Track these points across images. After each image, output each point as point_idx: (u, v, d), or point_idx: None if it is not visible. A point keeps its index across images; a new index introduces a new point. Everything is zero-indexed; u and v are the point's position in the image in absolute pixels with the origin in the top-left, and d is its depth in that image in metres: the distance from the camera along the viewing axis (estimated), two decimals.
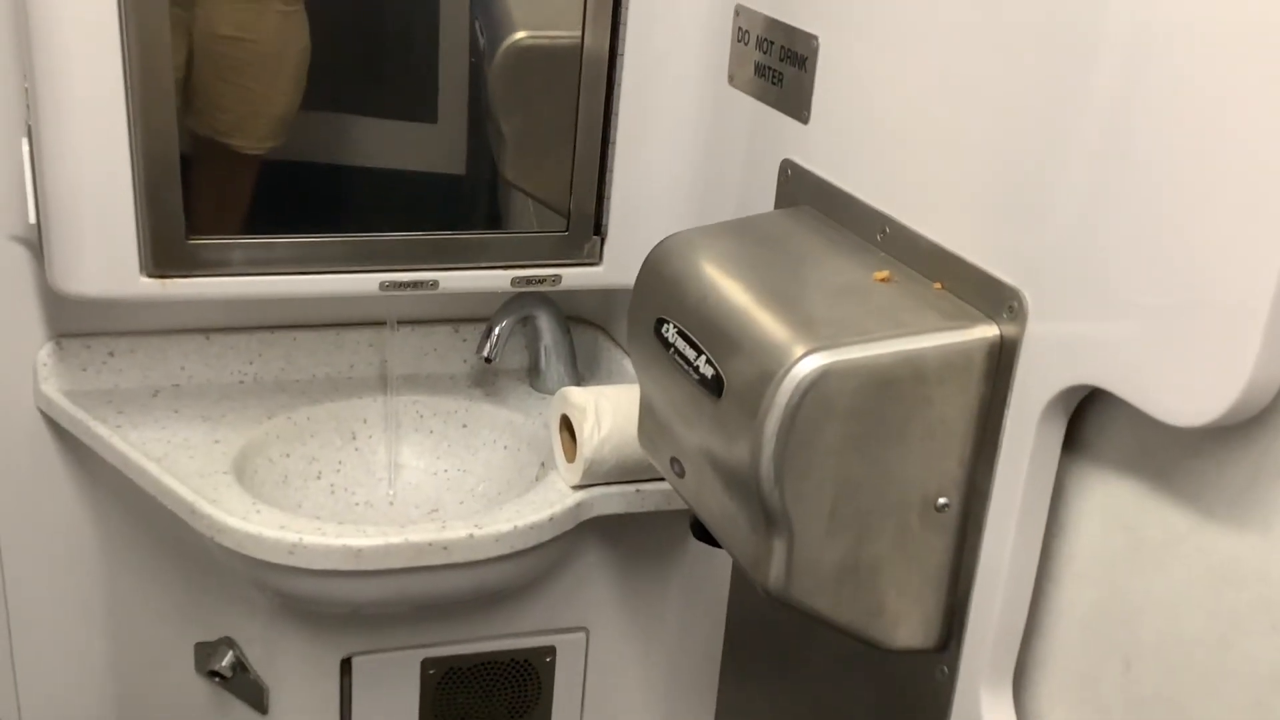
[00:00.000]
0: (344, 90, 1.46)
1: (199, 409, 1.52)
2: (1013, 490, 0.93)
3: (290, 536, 1.28)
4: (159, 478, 1.37)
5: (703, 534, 1.15)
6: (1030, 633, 0.97)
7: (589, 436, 1.37)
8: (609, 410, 1.38)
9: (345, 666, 1.48)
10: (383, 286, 1.40)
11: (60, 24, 1.20)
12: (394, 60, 1.47)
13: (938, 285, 0.99)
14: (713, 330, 1.00)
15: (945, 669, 1.02)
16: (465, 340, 1.66)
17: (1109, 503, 0.90)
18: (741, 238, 1.12)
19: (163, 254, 1.31)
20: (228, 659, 1.51)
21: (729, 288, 1.02)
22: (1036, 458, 0.91)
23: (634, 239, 1.43)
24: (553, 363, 1.62)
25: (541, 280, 1.45)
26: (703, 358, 1.00)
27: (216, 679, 1.50)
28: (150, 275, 1.32)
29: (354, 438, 1.58)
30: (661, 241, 1.11)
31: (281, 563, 1.29)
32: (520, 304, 1.57)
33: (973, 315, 0.95)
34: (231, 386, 1.58)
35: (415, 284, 1.41)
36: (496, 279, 1.43)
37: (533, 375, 1.65)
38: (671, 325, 1.05)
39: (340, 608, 1.41)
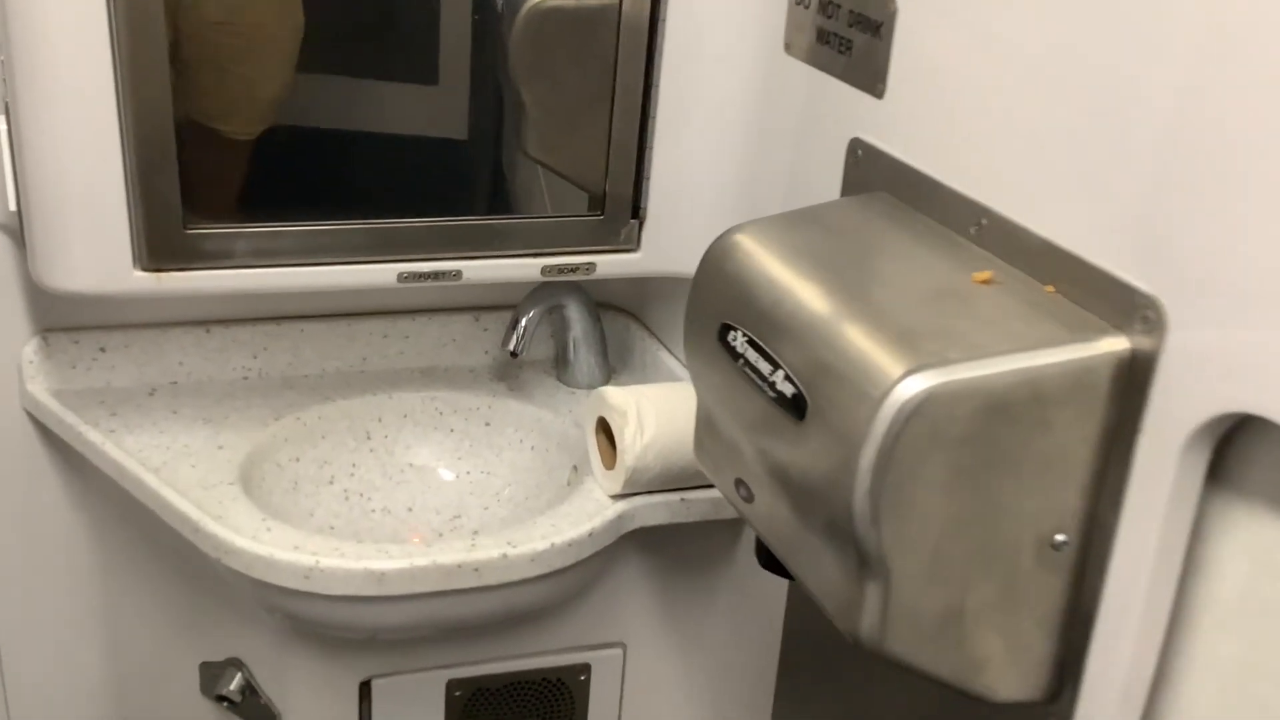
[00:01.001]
0: (342, 53, 1.32)
1: (199, 409, 1.39)
2: (1143, 527, 0.81)
3: (306, 559, 1.16)
4: (158, 491, 1.24)
5: (772, 563, 1.03)
6: (1159, 685, 0.85)
7: (631, 443, 1.24)
8: (652, 413, 1.25)
9: (364, 690, 1.36)
10: (401, 278, 1.27)
11: None
12: (393, 19, 1.33)
13: (1049, 288, 0.87)
14: (792, 341, 0.88)
15: None
16: (487, 330, 1.53)
17: (1259, 544, 0.78)
18: (814, 230, 0.99)
19: (158, 245, 1.18)
20: (236, 682, 1.39)
21: (808, 291, 0.89)
22: (1174, 492, 0.79)
23: (675, 223, 1.30)
24: (582, 354, 1.50)
25: (574, 269, 1.31)
26: (780, 373, 0.87)
27: (224, 703, 1.39)
28: (145, 269, 1.19)
29: (368, 438, 1.45)
30: (722, 236, 0.98)
31: (296, 588, 1.16)
32: (548, 292, 1.44)
33: (1097, 326, 0.82)
34: (234, 383, 1.45)
35: (436, 274, 1.28)
36: (525, 268, 1.30)
37: (560, 367, 1.52)
38: (740, 333, 0.92)
39: (359, 633, 1.29)
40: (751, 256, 0.95)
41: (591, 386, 1.50)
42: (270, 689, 1.39)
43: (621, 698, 1.47)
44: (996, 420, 0.80)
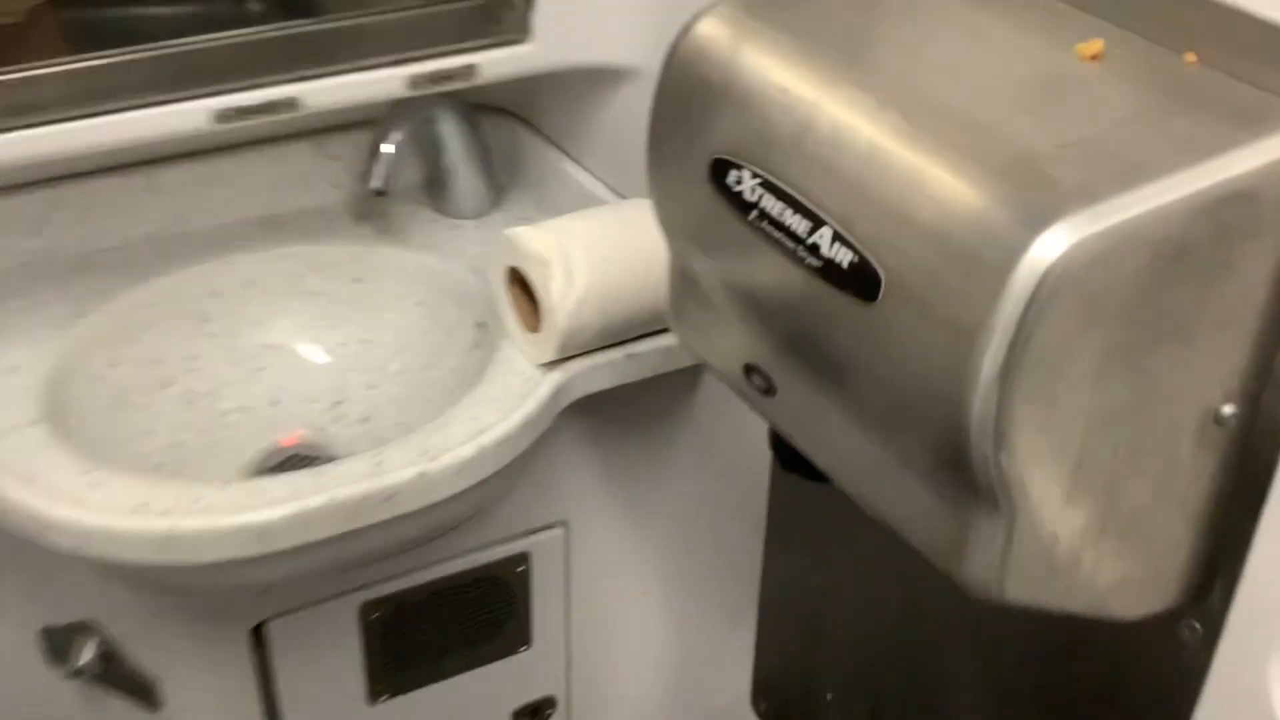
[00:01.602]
0: None
1: None
2: None
3: (157, 524, 0.86)
4: None
5: (795, 462, 0.77)
6: None
7: (560, 299, 0.96)
8: (581, 256, 0.96)
9: (257, 634, 1.10)
10: (220, 117, 0.93)
11: None
12: None
13: (1190, 56, 0.60)
14: (839, 184, 0.59)
15: (1196, 625, 0.69)
16: (336, 159, 1.19)
17: None
18: (832, 3, 0.69)
19: None
20: (91, 649, 1.10)
21: (850, 100, 0.60)
22: None
23: None
24: (462, 176, 1.19)
25: (450, 75, 0.99)
26: (825, 232, 0.60)
27: (82, 677, 1.10)
28: None
29: (206, 320, 1.13)
30: (693, 22, 0.68)
31: (150, 561, 0.87)
32: (412, 105, 1.11)
33: (1276, 106, 0.56)
34: (12, 272, 1.11)
35: (265, 107, 0.94)
36: (385, 82, 0.98)
37: (435, 193, 1.21)
38: (748, 172, 0.63)
39: (244, 592, 1.01)
40: (748, 54, 0.65)
41: (479, 215, 1.20)
42: (137, 651, 1.10)
43: (569, 585, 1.23)
44: (1173, 273, 0.54)
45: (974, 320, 0.53)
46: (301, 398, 1.13)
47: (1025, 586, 0.61)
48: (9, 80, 0.87)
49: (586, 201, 1.14)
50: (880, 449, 0.63)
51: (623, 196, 1.13)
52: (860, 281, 0.58)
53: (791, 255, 0.61)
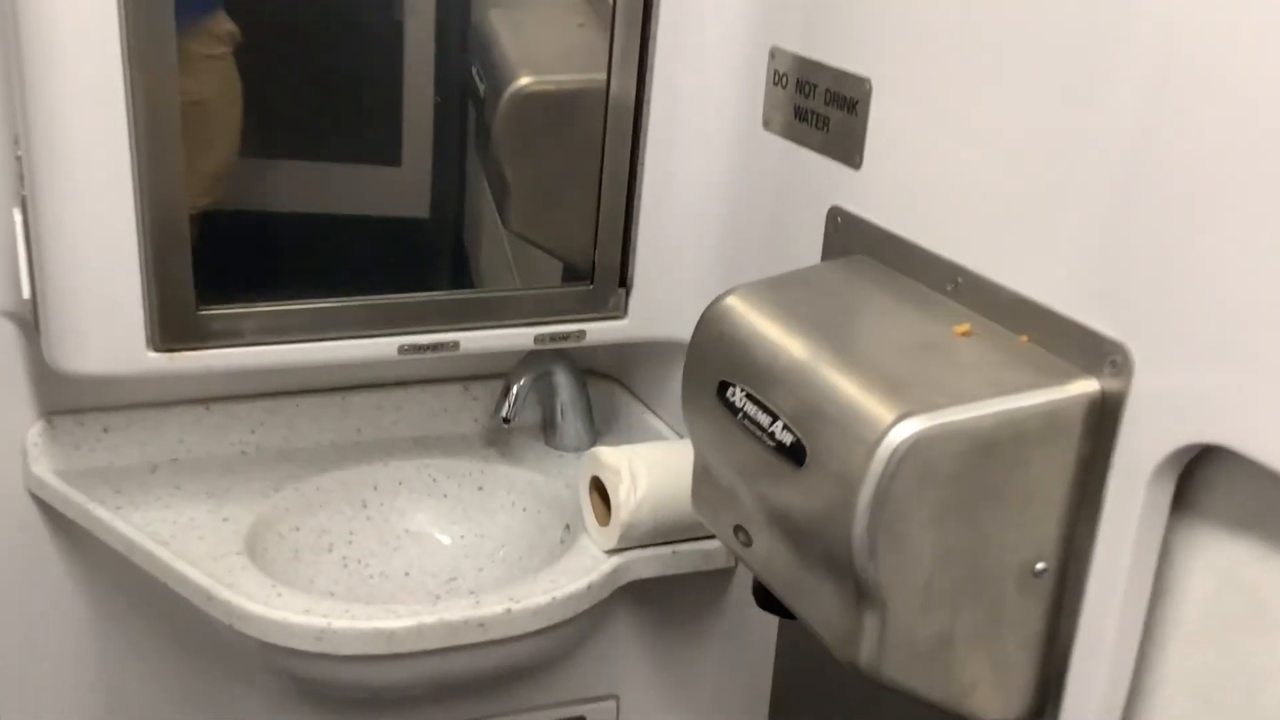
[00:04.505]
0: (306, 137, 1.40)
1: (202, 484, 1.44)
2: (1117, 552, 0.88)
3: (318, 621, 1.21)
4: (171, 563, 1.29)
5: (770, 604, 1.09)
6: (1134, 699, 0.92)
7: (625, 499, 1.30)
8: (644, 471, 1.32)
9: None
10: (402, 350, 1.33)
11: (61, 92, 1.12)
12: (356, 103, 1.41)
13: (1023, 338, 0.95)
14: (788, 394, 0.95)
15: None
16: (476, 399, 1.59)
17: (1222, 563, 0.86)
18: (802, 291, 1.06)
19: (171, 327, 1.24)
20: None
21: (800, 347, 0.97)
22: (1144, 519, 0.87)
23: (660, 291, 1.38)
24: (570, 419, 1.56)
25: (566, 337, 1.38)
26: (779, 424, 0.95)
27: None
28: (158, 349, 1.24)
29: (365, 506, 1.50)
30: (717, 300, 1.06)
31: (308, 649, 1.21)
32: (537, 360, 1.50)
33: (1068, 370, 0.90)
34: (234, 458, 1.50)
35: (435, 346, 1.34)
36: (519, 337, 1.37)
37: (548, 432, 1.58)
38: (738, 389, 0.99)
39: (366, 692, 1.34)
40: (746, 317, 1.02)
41: (579, 450, 1.56)
42: None
43: None
44: (982, 459, 0.87)
45: (857, 474, 0.87)
46: (427, 572, 1.48)
47: (898, 670, 0.92)
48: (268, 311, 1.29)
49: (660, 440, 1.51)
50: (809, 571, 0.95)
51: (684, 437, 1.49)
52: (796, 453, 0.92)
53: (759, 440, 0.96)
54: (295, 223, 1.42)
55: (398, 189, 1.49)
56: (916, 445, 0.85)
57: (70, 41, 1.11)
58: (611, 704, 1.50)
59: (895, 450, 0.85)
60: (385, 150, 1.47)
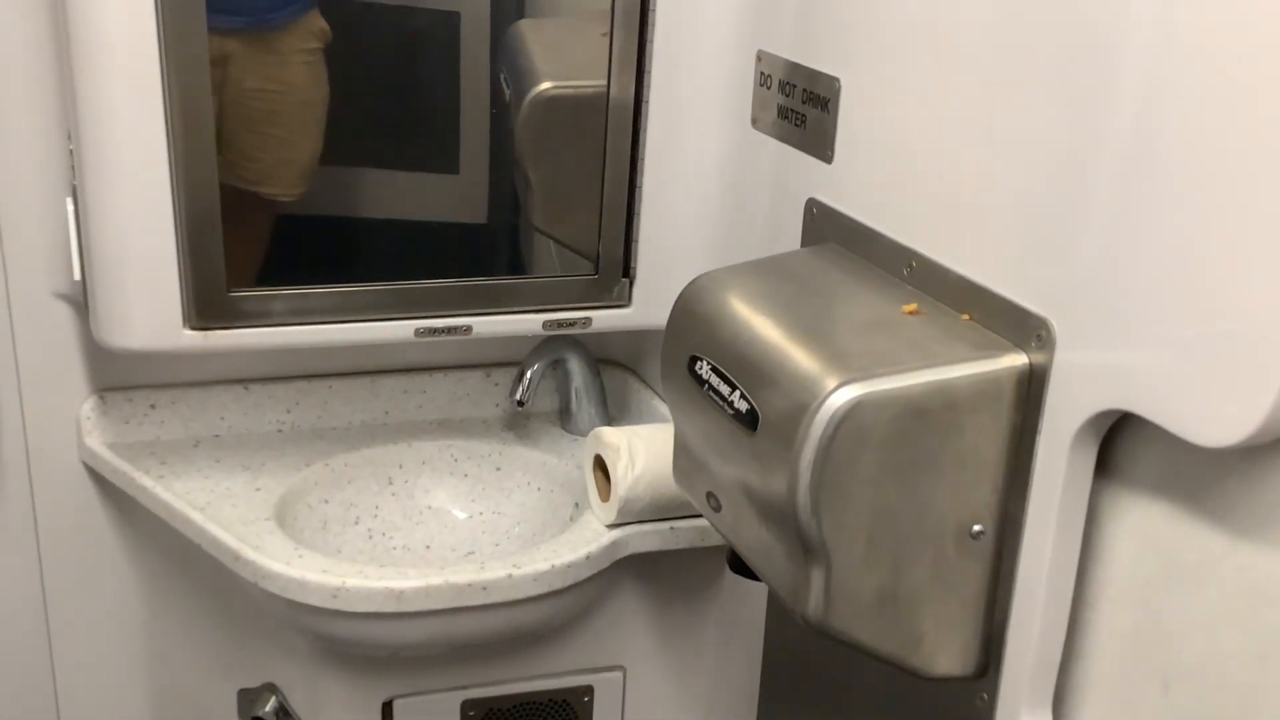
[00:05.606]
0: (370, 145, 1.50)
1: (239, 458, 1.55)
2: (1046, 516, 0.95)
3: (333, 580, 1.30)
4: (203, 526, 1.40)
5: (740, 567, 1.17)
6: (1068, 657, 0.98)
7: (623, 475, 1.39)
8: (642, 449, 1.40)
9: (386, 710, 1.50)
10: (418, 333, 1.43)
11: (107, 89, 1.24)
12: (417, 113, 1.51)
13: (965, 317, 1.02)
14: (746, 366, 1.03)
15: (985, 696, 1.03)
16: (497, 385, 1.68)
17: (1143, 526, 0.92)
18: (771, 276, 1.14)
19: (205, 307, 1.35)
20: (271, 704, 1.53)
21: (761, 324, 1.05)
22: (1069, 483, 0.93)
23: (662, 280, 1.46)
24: (584, 405, 1.65)
25: (572, 323, 1.47)
26: (737, 393, 1.03)
27: None
28: (193, 328, 1.35)
29: (390, 483, 1.60)
30: (692, 281, 1.14)
31: (325, 606, 1.31)
32: (551, 347, 1.59)
33: (1001, 345, 0.97)
34: (270, 435, 1.61)
35: (449, 329, 1.44)
36: (528, 322, 1.46)
37: (564, 417, 1.67)
38: (705, 362, 1.07)
39: (381, 650, 1.43)
40: (717, 297, 1.11)
41: None
42: (302, 710, 1.52)
43: (623, 716, 1.60)
44: (915, 424, 0.94)
45: (800, 437, 0.94)
46: (446, 546, 1.58)
47: (844, 622, 0.99)
48: (294, 293, 1.39)
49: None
50: (766, 531, 1.03)
51: None
52: (750, 419, 1.00)
53: (721, 409, 1.04)
54: (358, 225, 1.53)
55: (456, 196, 1.59)
56: (854, 409, 0.93)
57: (114, 44, 1.23)
58: (619, 674, 1.58)
59: (835, 414, 0.93)
60: (444, 159, 1.57)
